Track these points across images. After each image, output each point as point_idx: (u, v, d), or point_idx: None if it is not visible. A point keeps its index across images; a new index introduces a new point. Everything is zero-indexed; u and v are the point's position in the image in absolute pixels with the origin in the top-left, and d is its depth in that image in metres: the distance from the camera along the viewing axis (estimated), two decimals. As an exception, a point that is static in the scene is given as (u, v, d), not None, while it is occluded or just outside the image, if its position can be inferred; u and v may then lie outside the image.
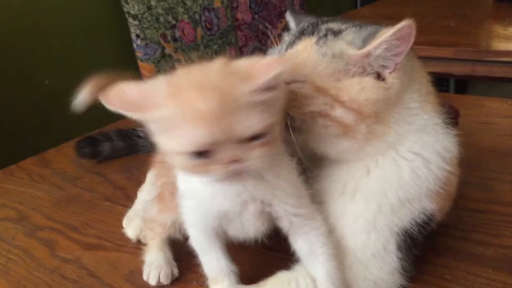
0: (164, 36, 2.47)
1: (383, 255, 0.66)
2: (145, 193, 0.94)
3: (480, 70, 1.83)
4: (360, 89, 0.61)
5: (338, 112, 0.62)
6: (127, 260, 0.82)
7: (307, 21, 0.71)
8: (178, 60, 2.38)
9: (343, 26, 0.66)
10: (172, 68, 0.56)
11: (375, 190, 0.66)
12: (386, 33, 0.59)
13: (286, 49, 0.67)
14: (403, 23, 0.58)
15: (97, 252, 0.85)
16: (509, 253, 0.77)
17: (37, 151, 1.29)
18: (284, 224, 0.66)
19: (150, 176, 0.96)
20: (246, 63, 0.56)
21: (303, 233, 0.66)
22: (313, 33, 0.66)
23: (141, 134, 1.22)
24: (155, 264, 0.77)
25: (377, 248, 0.66)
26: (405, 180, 0.65)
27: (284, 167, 0.63)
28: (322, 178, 0.70)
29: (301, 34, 0.67)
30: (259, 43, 3.03)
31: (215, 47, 2.70)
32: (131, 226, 0.88)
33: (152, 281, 0.75)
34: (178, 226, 0.77)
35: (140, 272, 0.77)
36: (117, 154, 1.21)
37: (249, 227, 0.65)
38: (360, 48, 0.62)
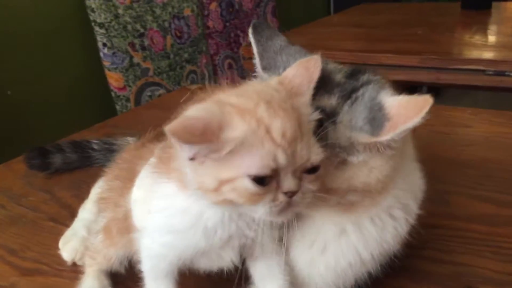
0: (132, 44, 2.43)
1: None
2: (87, 211, 0.90)
3: (445, 78, 1.83)
4: (369, 172, 0.55)
5: (348, 197, 0.57)
6: (64, 286, 0.78)
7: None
8: (147, 70, 2.33)
9: (334, 102, 0.57)
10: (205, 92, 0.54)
11: (347, 252, 0.62)
12: (409, 122, 0.51)
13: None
14: (428, 104, 0.50)
15: (33, 278, 0.80)
16: (460, 270, 0.74)
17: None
18: (252, 250, 0.61)
19: (94, 193, 0.92)
20: (287, 82, 0.53)
21: (266, 257, 0.62)
22: None
23: (95, 147, 1.18)
24: None
25: None
26: (387, 240, 0.63)
27: None
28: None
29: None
30: (231, 51, 3.00)
31: (186, 55, 2.67)
32: (66, 248, 0.84)
33: None
34: (122, 260, 0.74)
35: (76, 300, 0.73)
36: (69, 166, 1.16)
37: (225, 259, 0.60)
38: (371, 133, 0.53)
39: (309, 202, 0.51)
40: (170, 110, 1.62)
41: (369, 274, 0.66)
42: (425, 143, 0.97)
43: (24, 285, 0.79)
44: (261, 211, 0.49)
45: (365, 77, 0.59)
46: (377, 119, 0.53)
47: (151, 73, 2.48)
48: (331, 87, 0.58)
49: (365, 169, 0.55)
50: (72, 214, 0.96)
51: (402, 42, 2.00)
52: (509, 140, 1.14)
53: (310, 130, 0.50)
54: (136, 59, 2.43)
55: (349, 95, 0.57)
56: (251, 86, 0.53)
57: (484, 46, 1.93)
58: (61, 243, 0.86)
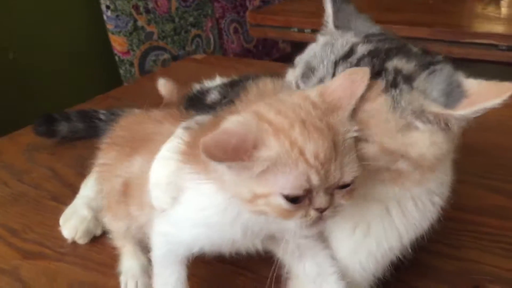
0: (136, 7, 2.37)
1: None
2: (88, 188, 0.89)
3: (457, 51, 1.78)
4: (430, 145, 0.54)
5: (400, 165, 0.56)
6: (67, 272, 0.77)
7: (360, 38, 0.61)
8: (151, 34, 2.26)
9: (411, 67, 0.56)
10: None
11: (390, 234, 0.63)
12: (490, 100, 0.51)
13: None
14: (510, 90, 0.50)
15: (36, 262, 0.80)
16: (469, 267, 0.73)
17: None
18: (289, 248, 0.62)
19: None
20: (328, 95, 0.52)
21: (312, 255, 0.63)
22: (378, 74, 0.55)
23: (102, 117, 1.17)
24: (130, 273, 0.73)
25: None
26: (422, 224, 0.64)
27: None
28: None
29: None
30: (237, 15, 2.93)
31: (191, 19, 2.61)
32: (67, 226, 0.84)
33: None
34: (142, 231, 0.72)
35: (79, 286, 0.73)
36: (75, 135, 1.16)
37: (248, 247, 0.62)
38: (445, 105, 0.53)
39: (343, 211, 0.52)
40: (174, 82, 1.58)
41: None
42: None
43: (27, 270, 0.78)
44: (293, 225, 0.51)
45: (439, 57, 0.59)
46: (454, 94, 0.53)
47: (155, 37, 2.43)
48: (409, 54, 0.58)
49: (427, 141, 0.54)
50: (75, 193, 0.95)
51: (413, 12, 1.94)
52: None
53: (346, 148, 0.49)
54: (140, 23, 2.37)
55: (427, 65, 0.56)
56: (290, 99, 0.52)
57: (497, 19, 1.88)
58: (61, 220, 0.86)
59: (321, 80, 0.58)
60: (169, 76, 1.58)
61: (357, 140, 0.53)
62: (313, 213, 0.49)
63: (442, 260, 0.75)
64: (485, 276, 0.71)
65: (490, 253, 0.76)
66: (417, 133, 0.54)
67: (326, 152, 0.47)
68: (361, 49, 0.59)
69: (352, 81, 0.52)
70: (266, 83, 0.88)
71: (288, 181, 0.47)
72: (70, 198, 0.92)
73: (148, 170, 0.64)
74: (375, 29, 0.65)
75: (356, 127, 0.51)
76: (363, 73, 0.53)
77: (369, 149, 0.54)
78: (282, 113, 0.49)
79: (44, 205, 0.94)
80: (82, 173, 1.01)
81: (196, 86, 1.04)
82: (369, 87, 0.54)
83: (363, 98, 0.53)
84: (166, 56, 2.48)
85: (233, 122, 0.49)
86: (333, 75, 0.57)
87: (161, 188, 0.62)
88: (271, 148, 0.47)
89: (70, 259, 0.80)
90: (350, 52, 0.59)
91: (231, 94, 0.88)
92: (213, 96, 0.92)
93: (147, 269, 0.72)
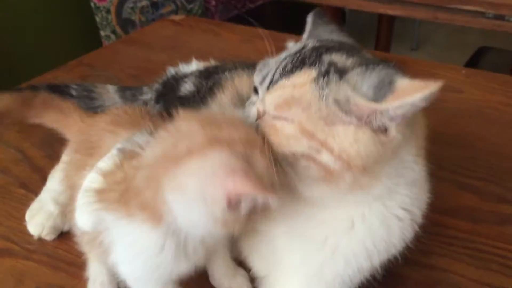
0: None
1: None
2: (55, 181, 0.86)
3: (443, 17, 1.74)
4: (353, 141, 0.53)
5: (324, 158, 0.54)
6: (35, 272, 0.76)
7: (314, 40, 0.61)
8: None
9: (349, 62, 0.56)
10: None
11: (358, 253, 0.61)
12: (415, 96, 0.50)
13: (281, 77, 0.58)
14: (435, 87, 0.49)
15: (3, 259, 0.78)
16: (437, 276, 0.74)
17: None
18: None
19: (63, 160, 0.87)
20: None
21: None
22: (313, 64, 0.56)
23: (74, 93, 1.11)
24: (99, 281, 0.71)
25: None
26: (394, 243, 0.62)
27: None
28: (296, 220, 0.63)
29: (302, 63, 0.57)
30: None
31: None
32: (33, 223, 0.82)
33: None
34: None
35: (47, 290, 0.72)
36: None
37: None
38: (372, 99, 0.52)
39: None
40: (150, 46, 1.53)
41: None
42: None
43: (-7, 269, 0.77)
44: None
45: (390, 63, 0.58)
46: (383, 90, 0.52)
47: (133, -18, 2.32)
48: (353, 54, 0.58)
49: (350, 136, 0.53)
50: (44, 179, 0.92)
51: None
52: (502, 112, 1.10)
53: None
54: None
55: (366, 64, 0.56)
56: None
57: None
58: (27, 216, 0.84)
59: (267, 74, 0.60)
60: (144, 40, 1.53)
61: (276, 118, 0.56)
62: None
63: (413, 267, 0.75)
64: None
65: (459, 260, 0.76)
66: (341, 127, 0.54)
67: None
68: (308, 47, 0.60)
69: None
70: (242, 79, 0.85)
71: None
72: (39, 185, 0.90)
73: None
74: (342, 39, 0.64)
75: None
76: None
77: (288, 127, 0.55)
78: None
79: (12, 193, 0.92)
80: (51, 156, 0.99)
81: (171, 71, 1.00)
82: (300, 75, 0.56)
83: (293, 84, 0.56)
84: (144, 3, 2.38)
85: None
86: (277, 69, 0.59)
87: (84, 212, 0.61)
88: None
89: (38, 258, 0.78)
90: (300, 49, 0.60)
91: (204, 89, 0.85)
92: (187, 87, 0.88)
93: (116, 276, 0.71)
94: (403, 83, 0.52)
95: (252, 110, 0.60)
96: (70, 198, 0.68)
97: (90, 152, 0.66)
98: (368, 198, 0.59)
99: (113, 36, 2.41)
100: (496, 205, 0.86)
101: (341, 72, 0.55)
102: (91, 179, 0.59)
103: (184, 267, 0.58)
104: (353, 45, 0.63)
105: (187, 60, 1.01)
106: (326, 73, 0.55)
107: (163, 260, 0.55)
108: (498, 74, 1.24)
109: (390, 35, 2.59)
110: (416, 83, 0.51)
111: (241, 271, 0.72)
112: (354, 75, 0.54)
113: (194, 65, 0.98)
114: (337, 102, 0.53)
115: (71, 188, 0.67)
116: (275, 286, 0.68)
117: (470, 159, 0.96)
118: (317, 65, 0.56)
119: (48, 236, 0.81)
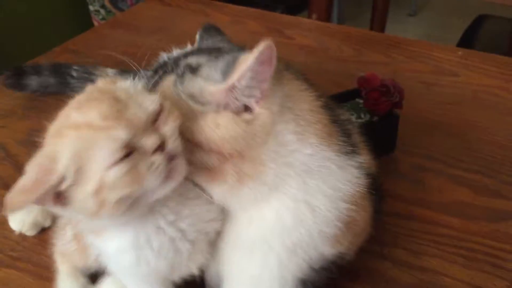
0: None
1: None
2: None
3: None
4: (214, 127, 0.53)
5: (198, 156, 0.54)
6: (19, 281, 0.74)
7: (178, 52, 0.64)
8: None
9: (203, 60, 0.57)
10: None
11: (256, 239, 0.58)
12: (248, 60, 0.50)
13: (153, 85, 0.58)
14: (262, 45, 0.49)
15: (-14, 268, 0.77)
16: (427, 279, 0.73)
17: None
18: None
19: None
20: None
21: None
22: (172, 71, 0.58)
23: (74, 74, 1.13)
24: None
25: None
26: (288, 226, 0.57)
27: None
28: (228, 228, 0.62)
29: (165, 72, 0.58)
30: None
31: None
32: (14, 219, 0.82)
33: None
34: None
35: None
36: (45, 90, 1.14)
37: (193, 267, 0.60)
38: (221, 82, 0.53)
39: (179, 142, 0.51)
40: (138, 29, 1.48)
41: (306, 282, 0.61)
42: (406, 101, 0.91)
43: (-24, 278, 0.76)
44: (152, 184, 0.48)
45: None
46: (229, 71, 0.53)
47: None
48: (211, 53, 0.59)
49: (211, 124, 0.53)
50: (28, 179, 0.90)
51: None
52: (499, 98, 1.07)
53: (138, 94, 0.50)
54: None
55: (217, 55, 0.57)
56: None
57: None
58: None
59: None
60: (131, 23, 1.48)
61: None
62: (156, 158, 0.47)
63: (402, 269, 0.74)
64: (443, 291, 0.71)
65: (451, 261, 0.75)
66: (201, 118, 0.53)
67: (110, 106, 0.47)
68: (171, 58, 0.62)
69: None
70: None
71: (101, 155, 0.45)
72: (23, 186, 0.88)
73: None
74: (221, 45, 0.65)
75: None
76: None
77: None
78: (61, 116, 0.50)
79: (-5, 194, 0.90)
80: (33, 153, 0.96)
81: (164, 56, 0.96)
82: (164, 84, 0.57)
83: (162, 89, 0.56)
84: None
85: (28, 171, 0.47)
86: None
87: None
88: (65, 150, 0.45)
89: (22, 266, 0.77)
90: (164, 62, 0.62)
91: None
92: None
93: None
94: (243, 57, 0.52)
95: None
96: None
97: None
98: (263, 189, 0.55)
99: (102, 11, 2.36)
100: (491, 200, 0.84)
101: (194, 70, 0.56)
102: None
103: (163, 266, 0.57)
104: (222, 47, 0.62)
105: (175, 43, 0.97)
106: (182, 75, 0.56)
107: (133, 261, 0.55)
108: (495, 56, 1.20)
109: (387, 1, 2.53)
110: (253, 51, 0.50)
111: None
112: (206, 68, 0.55)
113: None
114: (191, 96, 0.54)
115: None
116: None
117: (464, 150, 0.94)
118: (174, 70, 0.57)
119: (29, 232, 0.81)
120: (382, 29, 2.53)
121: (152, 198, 0.50)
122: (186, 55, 0.60)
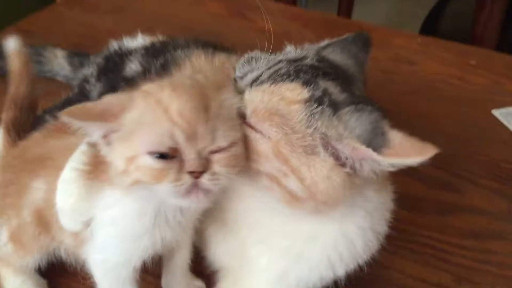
0: None
1: None
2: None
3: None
4: (326, 177, 0.53)
5: (291, 184, 0.54)
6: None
7: (315, 57, 0.61)
8: None
9: (342, 97, 0.55)
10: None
11: (321, 262, 0.61)
12: (415, 159, 0.51)
13: (269, 80, 0.56)
14: (432, 152, 0.50)
15: None
16: (375, 272, 0.73)
17: None
18: None
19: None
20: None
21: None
22: (308, 84, 0.55)
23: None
24: None
25: None
26: (358, 252, 0.62)
27: None
28: (265, 226, 0.63)
29: (296, 75, 0.56)
30: None
31: None
32: None
33: None
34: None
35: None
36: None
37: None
38: (365, 144, 0.52)
39: (221, 185, 0.51)
40: (95, 9, 1.43)
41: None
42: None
43: None
44: (164, 190, 0.49)
45: (375, 104, 0.57)
46: (378, 139, 0.52)
47: None
48: (346, 87, 0.57)
49: (324, 171, 0.53)
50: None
51: None
52: (454, 87, 1.08)
53: (223, 114, 0.51)
54: None
55: (357, 103, 0.55)
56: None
57: None
58: None
59: (252, 70, 0.60)
60: (88, 1, 1.43)
61: (252, 128, 0.55)
62: (186, 178, 0.49)
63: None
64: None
65: (399, 255, 0.76)
66: (319, 159, 0.53)
67: (193, 112, 0.48)
68: (307, 61, 0.59)
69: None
70: (200, 59, 0.80)
71: (152, 138, 0.48)
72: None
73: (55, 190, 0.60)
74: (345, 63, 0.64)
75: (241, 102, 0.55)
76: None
77: (263, 144, 0.54)
78: (160, 84, 0.52)
79: None
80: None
81: (114, 45, 0.93)
82: (290, 88, 0.55)
83: (280, 95, 0.54)
84: None
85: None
86: (267, 70, 0.58)
87: (68, 214, 0.60)
88: (137, 108, 0.49)
89: None
90: (298, 59, 0.59)
91: (154, 69, 0.80)
92: (133, 67, 0.84)
93: (42, 284, 0.71)
94: (397, 138, 0.52)
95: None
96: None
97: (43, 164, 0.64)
98: (324, 219, 0.59)
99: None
100: (441, 193, 0.86)
101: (335, 107, 0.54)
102: (76, 160, 0.60)
103: (169, 236, 0.58)
104: (351, 74, 0.62)
105: (133, 27, 0.95)
106: (319, 101, 0.54)
107: (144, 226, 0.56)
108: (454, 44, 1.21)
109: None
110: (411, 142, 0.51)
111: (198, 282, 0.71)
112: (347, 114, 0.54)
113: (140, 40, 0.92)
114: (325, 136, 0.53)
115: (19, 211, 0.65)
116: (237, 283, 0.67)
117: (418, 142, 0.95)
118: (311, 86, 0.55)
119: None
120: (349, 12, 2.51)
121: (165, 200, 0.52)
122: (325, 73, 0.57)
